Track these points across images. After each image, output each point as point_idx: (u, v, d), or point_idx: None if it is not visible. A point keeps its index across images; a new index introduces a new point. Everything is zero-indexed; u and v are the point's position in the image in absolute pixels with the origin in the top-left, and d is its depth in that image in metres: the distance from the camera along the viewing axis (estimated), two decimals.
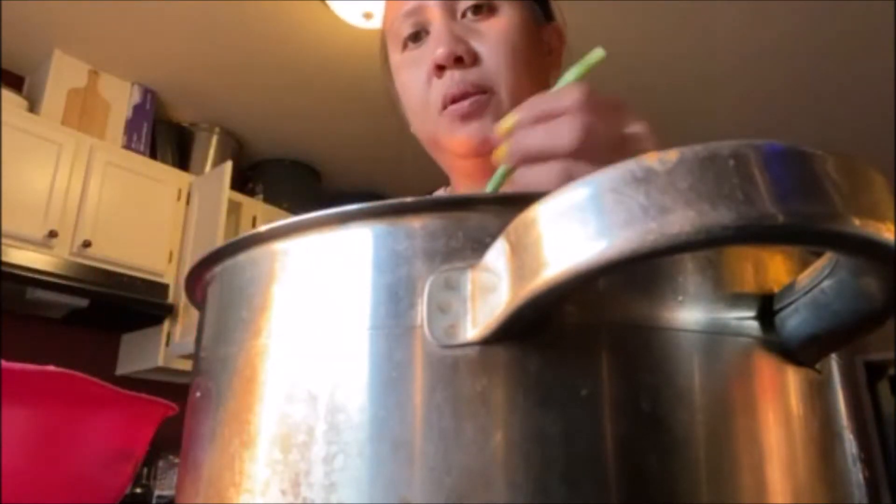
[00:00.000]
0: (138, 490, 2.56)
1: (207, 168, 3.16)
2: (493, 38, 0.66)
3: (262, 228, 0.26)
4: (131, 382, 2.72)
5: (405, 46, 0.70)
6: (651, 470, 0.20)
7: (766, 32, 2.60)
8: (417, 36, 0.69)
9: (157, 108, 3.10)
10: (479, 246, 0.22)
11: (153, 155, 3.05)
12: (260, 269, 0.27)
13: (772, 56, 2.73)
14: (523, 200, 0.20)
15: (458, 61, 0.65)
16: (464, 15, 0.67)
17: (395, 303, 0.23)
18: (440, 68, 0.65)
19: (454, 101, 0.65)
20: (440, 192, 0.85)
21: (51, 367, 0.44)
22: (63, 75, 2.79)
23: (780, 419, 0.23)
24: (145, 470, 2.65)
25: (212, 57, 2.83)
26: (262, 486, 0.23)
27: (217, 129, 3.27)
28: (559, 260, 0.18)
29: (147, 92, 3.05)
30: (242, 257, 0.27)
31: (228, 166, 2.91)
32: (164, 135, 3.17)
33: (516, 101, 0.64)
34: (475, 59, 0.65)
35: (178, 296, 2.79)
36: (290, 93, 3.03)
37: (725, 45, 2.67)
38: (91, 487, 0.48)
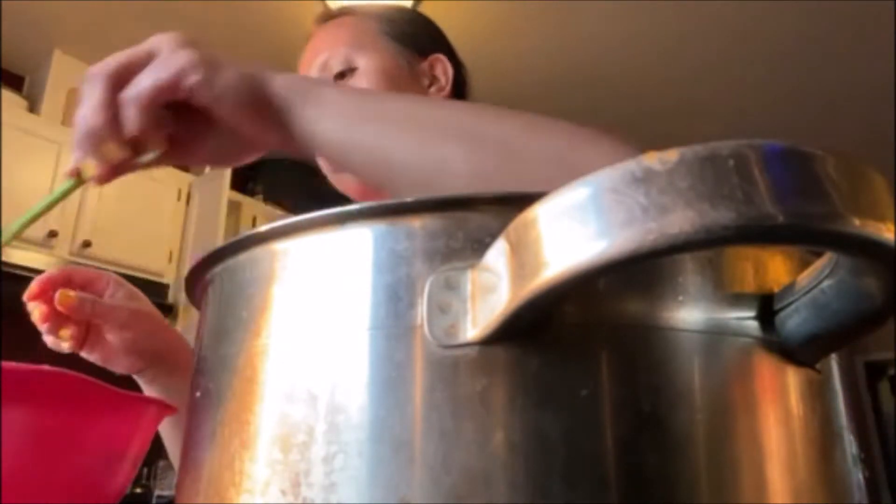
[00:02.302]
0: (138, 490, 2.56)
1: (207, 168, 3.16)
2: None
3: (262, 228, 0.26)
4: (131, 382, 2.71)
5: None
6: (651, 470, 0.20)
7: (766, 31, 2.60)
8: None
9: None
10: (479, 246, 0.22)
11: None
12: (260, 269, 0.27)
13: (771, 55, 2.73)
14: (523, 200, 0.20)
15: None
16: (337, 79, 0.77)
17: (395, 303, 0.23)
18: None
19: None
20: None
21: (45, 367, 0.44)
22: (63, 75, 2.80)
23: (780, 419, 0.23)
24: (145, 470, 2.65)
25: None
26: (262, 486, 0.23)
27: None
28: (559, 260, 0.18)
29: None
30: (242, 257, 0.27)
31: None
32: None
33: None
34: None
35: (178, 296, 2.79)
36: None
37: (724, 43, 2.67)
38: (91, 487, 0.48)
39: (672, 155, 0.17)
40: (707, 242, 0.16)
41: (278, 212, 3.24)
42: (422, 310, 0.22)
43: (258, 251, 0.27)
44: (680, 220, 0.16)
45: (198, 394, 0.28)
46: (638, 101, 2.96)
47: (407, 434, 0.21)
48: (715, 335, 0.22)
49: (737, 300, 0.23)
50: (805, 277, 0.23)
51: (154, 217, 2.84)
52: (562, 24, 2.57)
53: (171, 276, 2.84)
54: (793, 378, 0.24)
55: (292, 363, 0.24)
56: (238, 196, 3.13)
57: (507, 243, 0.20)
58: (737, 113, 3.08)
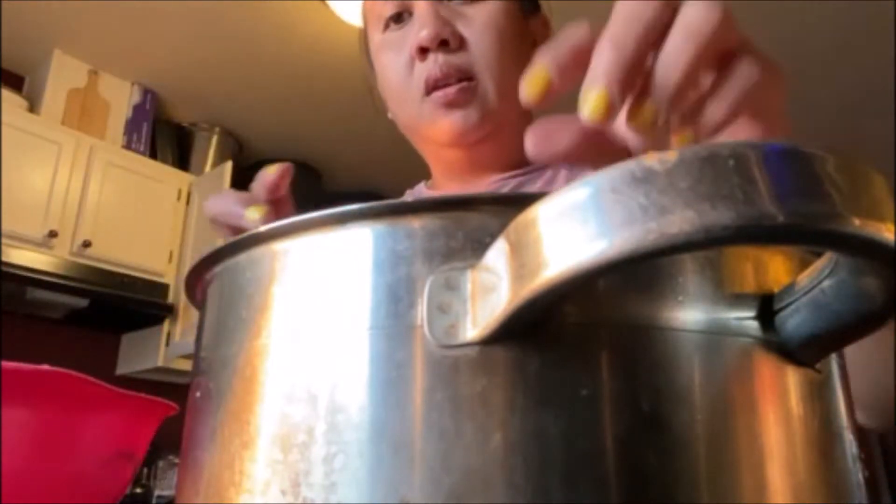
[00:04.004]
0: (138, 490, 2.56)
1: (207, 168, 3.16)
2: (481, 23, 0.63)
3: (262, 228, 0.26)
4: (131, 382, 2.72)
5: (387, 27, 0.67)
6: (651, 470, 0.20)
7: (766, 32, 2.60)
8: (400, 17, 0.66)
9: (157, 108, 3.10)
10: (479, 246, 0.22)
11: (153, 155, 3.05)
12: (260, 269, 0.27)
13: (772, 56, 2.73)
14: (523, 200, 0.20)
15: (443, 44, 0.62)
16: None
17: (395, 303, 0.23)
18: (423, 51, 0.63)
19: (437, 85, 0.62)
20: (420, 187, 0.83)
21: (45, 367, 0.44)
22: (63, 75, 2.80)
23: (780, 419, 0.23)
24: (145, 470, 2.65)
25: (212, 57, 2.83)
26: (262, 486, 0.23)
27: (217, 129, 3.27)
28: (559, 260, 0.18)
29: (147, 92, 3.05)
30: (242, 257, 0.27)
31: (228, 166, 2.91)
32: (164, 135, 3.17)
33: (501, 91, 0.63)
34: (461, 44, 0.63)
35: (178, 296, 2.79)
36: (290, 93, 3.03)
37: None
38: (91, 487, 0.48)
39: (672, 155, 0.17)
40: (707, 242, 0.16)
41: None
42: (422, 310, 0.22)
43: (258, 251, 0.27)
44: (680, 220, 0.16)
45: (198, 394, 0.28)
46: None
47: (407, 434, 0.21)
48: (715, 335, 0.22)
49: (737, 300, 0.23)
50: (805, 277, 0.23)
51: (154, 217, 2.84)
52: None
53: (171, 276, 2.83)
54: (793, 378, 0.23)
55: (292, 363, 0.24)
56: None
57: (507, 243, 0.20)
58: None
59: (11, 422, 0.43)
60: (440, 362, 0.21)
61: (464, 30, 0.63)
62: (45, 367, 0.44)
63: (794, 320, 0.22)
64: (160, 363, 2.76)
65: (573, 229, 0.18)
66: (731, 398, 0.22)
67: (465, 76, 0.62)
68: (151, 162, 2.96)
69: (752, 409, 0.22)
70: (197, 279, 0.31)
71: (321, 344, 0.24)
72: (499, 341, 0.21)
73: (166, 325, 2.80)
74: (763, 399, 0.23)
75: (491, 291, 0.20)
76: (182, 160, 3.19)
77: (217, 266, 0.29)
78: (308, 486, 0.22)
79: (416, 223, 0.23)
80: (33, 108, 2.72)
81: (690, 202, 0.16)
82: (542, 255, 0.18)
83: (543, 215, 0.19)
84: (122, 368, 2.94)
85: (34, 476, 0.45)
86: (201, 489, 0.25)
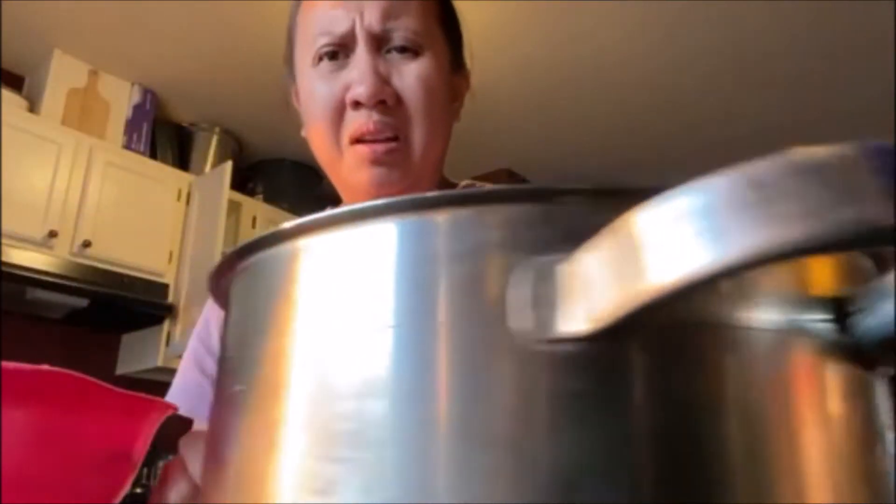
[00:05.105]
0: (138, 490, 2.55)
1: (207, 168, 3.15)
2: (415, 82, 0.65)
3: (287, 225, 0.25)
4: (131, 382, 2.71)
5: (319, 59, 0.67)
6: (738, 468, 0.20)
7: (766, 33, 2.60)
8: (335, 55, 0.66)
9: (157, 108, 3.09)
10: (571, 239, 0.20)
11: (153, 155, 3.04)
12: (285, 266, 0.26)
13: (772, 56, 2.73)
14: (620, 194, 0.19)
15: (381, 103, 0.64)
16: (388, 51, 0.65)
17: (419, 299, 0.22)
18: (358, 104, 0.64)
19: (365, 138, 0.64)
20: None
21: (45, 367, 0.43)
22: (63, 75, 2.79)
23: (838, 418, 0.22)
24: (145, 470, 2.64)
25: (212, 57, 2.82)
26: (290, 486, 0.22)
27: (217, 129, 3.27)
28: (671, 266, 0.17)
29: (147, 92, 3.04)
30: (267, 254, 0.27)
31: (228, 166, 2.91)
32: (164, 135, 3.17)
33: (425, 148, 0.66)
34: (396, 103, 0.64)
35: (178, 296, 2.79)
36: None
37: (724, 46, 2.67)
38: (90, 487, 0.47)
39: (780, 162, 0.16)
40: (823, 248, 0.16)
41: (278, 212, 3.24)
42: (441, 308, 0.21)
43: (282, 248, 0.26)
44: (797, 226, 0.15)
45: (224, 394, 0.27)
46: (638, 108, 2.97)
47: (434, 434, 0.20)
48: (791, 334, 0.22)
49: (812, 301, 0.23)
50: (884, 279, 0.22)
51: (154, 217, 2.84)
52: (560, 30, 2.57)
53: (171, 276, 2.82)
54: (863, 380, 0.23)
55: (319, 362, 0.23)
56: (238, 196, 3.12)
57: (607, 241, 0.19)
58: (741, 119, 3.08)
59: (11, 422, 0.43)
60: (530, 358, 0.20)
61: (398, 85, 0.65)
62: (45, 367, 0.44)
63: (870, 322, 0.22)
64: (160, 363, 2.75)
65: (686, 233, 0.17)
66: (805, 399, 0.22)
67: (394, 135, 0.64)
68: (151, 162, 2.95)
69: (821, 410, 0.22)
70: (220, 278, 0.30)
71: (349, 342, 0.23)
72: (596, 339, 0.20)
73: (166, 325, 2.79)
74: (829, 400, 0.22)
75: (584, 289, 0.19)
76: (182, 160, 3.18)
77: (240, 264, 0.28)
78: (335, 487, 0.21)
79: (440, 217, 0.23)
80: (33, 108, 2.71)
81: (810, 206, 0.16)
82: (647, 260, 0.18)
83: (651, 218, 0.18)
84: (122, 368, 2.94)
85: (34, 476, 0.44)
86: (229, 489, 0.24)
